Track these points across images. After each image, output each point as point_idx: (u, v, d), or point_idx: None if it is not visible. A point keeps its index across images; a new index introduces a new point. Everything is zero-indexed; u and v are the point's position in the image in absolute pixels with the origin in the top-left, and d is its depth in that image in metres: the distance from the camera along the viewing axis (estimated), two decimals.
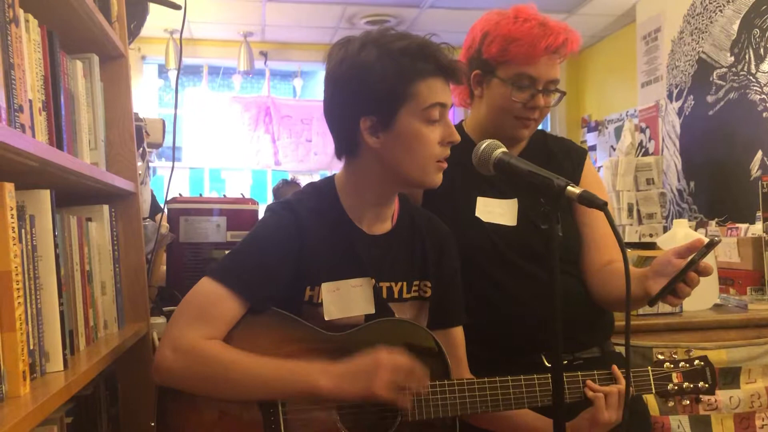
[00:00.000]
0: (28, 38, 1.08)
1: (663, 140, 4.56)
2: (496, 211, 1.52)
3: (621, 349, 1.60)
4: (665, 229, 4.03)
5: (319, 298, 1.26)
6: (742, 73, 3.79)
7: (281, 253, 1.24)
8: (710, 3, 4.05)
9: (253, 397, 1.17)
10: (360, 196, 1.31)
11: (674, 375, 1.35)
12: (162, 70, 6.02)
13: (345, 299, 1.28)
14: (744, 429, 2.06)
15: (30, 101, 1.05)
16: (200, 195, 2.63)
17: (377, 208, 1.33)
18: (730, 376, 2.06)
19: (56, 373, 1.08)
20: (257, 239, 1.27)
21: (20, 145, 0.90)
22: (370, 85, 1.22)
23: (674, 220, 2.44)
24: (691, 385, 1.35)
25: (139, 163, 1.76)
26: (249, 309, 1.21)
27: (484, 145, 1.22)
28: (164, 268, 2.00)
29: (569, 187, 1.09)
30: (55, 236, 1.10)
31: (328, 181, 1.36)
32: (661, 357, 1.38)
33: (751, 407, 2.07)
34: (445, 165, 1.29)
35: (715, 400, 2.02)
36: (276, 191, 4.75)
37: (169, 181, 2.50)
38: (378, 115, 1.24)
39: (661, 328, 2.09)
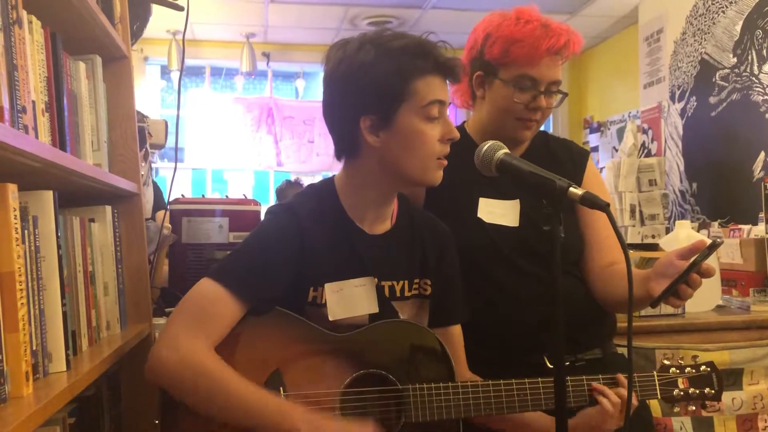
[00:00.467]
0: (32, 39, 1.08)
1: (665, 141, 4.56)
2: (498, 211, 1.52)
3: (623, 351, 1.60)
4: (667, 231, 4.02)
5: (323, 298, 1.26)
6: (744, 74, 3.79)
7: (282, 255, 1.24)
8: (713, 4, 4.05)
9: (231, 420, 1.15)
10: (361, 196, 1.32)
11: (680, 380, 1.35)
12: (165, 71, 6.03)
13: (349, 299, 1.28)
14: (746, 430, 2.06)
15: (33, 102, 1.05)
16: (202, 196, 2.63)
17: (378, 208, 1.33)
18: (733, 378, 2.06)
19: (59, 373, 1.08)
20: (258, 241, 1.27)
21: (23, 146, 0.90)
22: (369, 84, 1.23)
23: (676, 222, 2.44)
24: (697, 391, 1.34)
25: (142, 164, 1.77)
26: (249, 310, 1.21)
27: (486, 147, 1.22)
28: (167, 269, 2.00)
29: (571, 189, 1.09)
30: (57, 237, 1.10)
31: (328, 183, 1.36)
32: (666, 362, 1.37)
33: (754, 409, 2.07)
34: (446, 162, 1.29)
35: (718, 402, 2.02)
36: (279, 192, 4.75)
37: (171, 182, 2.50)
38: (378, 114, 1.24)
39: (664, 329, 2.09)
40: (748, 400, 2.06)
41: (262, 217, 1.37)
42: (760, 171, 3.65)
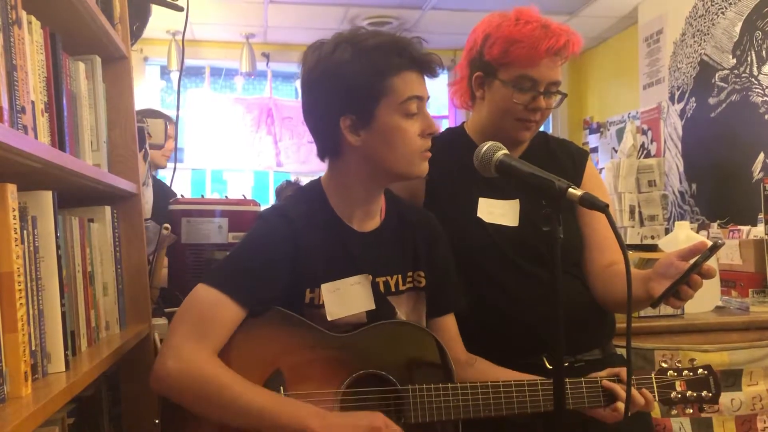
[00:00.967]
0: (31, 40, 1.08)
1: (665, 142, 4.56)
2: (498, 211, 1.52)
3: (622, 351, 1.60)
4: (667, 231, 4.02)
5: (320, 299, 1.27)
6: (744, 75, 3.79)
7: (276, 257, 1.25)
8: (712, 5, 4.05)
9: (243, 426, 1.15)
10: (347, 196, 1.33)
11: (678, 383, 1.35)
12: (164, 72, 6.03)
13: (345, 298, 1.28)
14: (746, 431, 2.06)
15: (32, 102, 1.05)
16: (202, 196, 2.63)
17: (366, 206, 1.34)
18: (732, 379, 2.06)
19: (58, 374, 1.08)
20: (251, 244, 1.28)
21: (22, 146, 0.90)
22: (346, 83, 1.24)
23: (676, 222, 2.44)
24: (695, 394, 1.34)
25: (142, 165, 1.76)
26: (248, 314, 1.21)
27: (485, 147, 1.22)
28: (166, 269, 2.00)
29: (571, 189, 1.09)
30: (57, 237, 1.10)
31: (315, 184, 1.37)
32: (664, 365, 1.37)
33: (753, 409, 2.07)
34: (430, 155, 1.30)
35: (717, 403, 2.01)
36: (279, 192, 4.74)
37: (171, 183, 2.50)
38: (357, 113, 1.25)
39: (663, 330, 2.09)
40: (747, 400, 2.06)
41: None
42: (759, 172, 3.65)
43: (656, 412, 1.94)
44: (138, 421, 1.60)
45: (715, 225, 3.57)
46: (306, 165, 5.88)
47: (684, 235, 2.31)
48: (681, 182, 4.35)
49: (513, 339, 1.46)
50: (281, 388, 1.20)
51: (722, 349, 2.06)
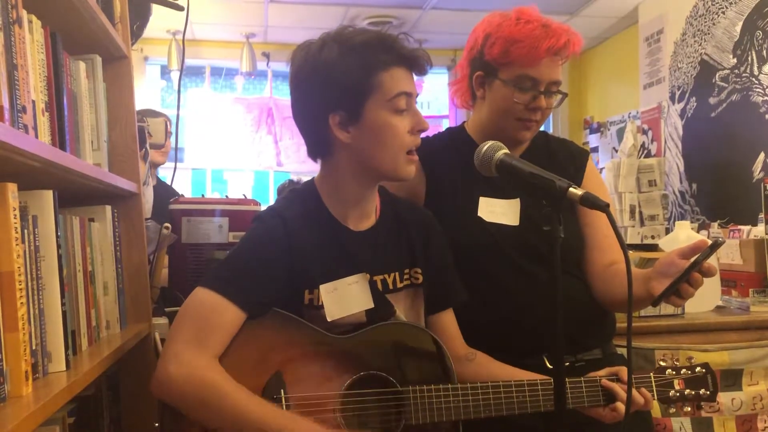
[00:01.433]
0: (32, 39, 1.08)
1: (665, 142, 4.56)
2: (499, 210, 1.53)
3: (623, 351, 1.60)
4: (667, 231, 4.02)
5: (319, 300, 1.27)
6: (744, 74, 3.79)
7: (272, 259, 1.25)
8: (713, 4, 4.05)
9: None
10: (341, 195, 1.33)
11: (676, 382, 1.35)
12: (164, 71, 6.02)
13: (344, 298, 1.28)
14: (746, 431, 2.06)
15: (33, 102, 1.05)
16: (202, 196, 2.63)
17: (360, 205, 1.34)
18: (732, 378, 2.06)
19: (58, 373, 1.08)
20: (248, 247, 1.28)
21: (23, 145, 0.90)
22: (334, 80, 1.24)
23: (676, 222, 2.44)
24: (693, 392, 1.35)
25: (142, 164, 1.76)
26: (247, 317, 1.21)
27: (486, 147, 1.22)
28: (166, 269, 2.00)
29: (571, 189, 1.09)
30: (57, 237, 1.10)
31: (309, 185, 1.38)
32: (663, 363, 1.38)
33: (753, 409, 2.07)
34: (416, 158, 1.31)
35: (717, 403, 2.01)
36: (281, 191, 4.75)
37: (171, 182, 2.50)
38: (345, 110, 1.25)
39: (663, 329, 2.09)
40: (747, 400, 2.06)
41: None
42: (759, 172, 3.65)
43: (656, 411, 1.94)
44: (138, 420, 1.60)
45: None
46: (306, 165, 5.87)
47: (684, 235, 2.31)
48: (681, 182, 4.35)
49: (513, 339, 1.46)
50: (282, 390, 1.20)
51: (722, 348, 2.06)
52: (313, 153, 1.35)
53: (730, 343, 2.08)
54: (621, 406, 1.28)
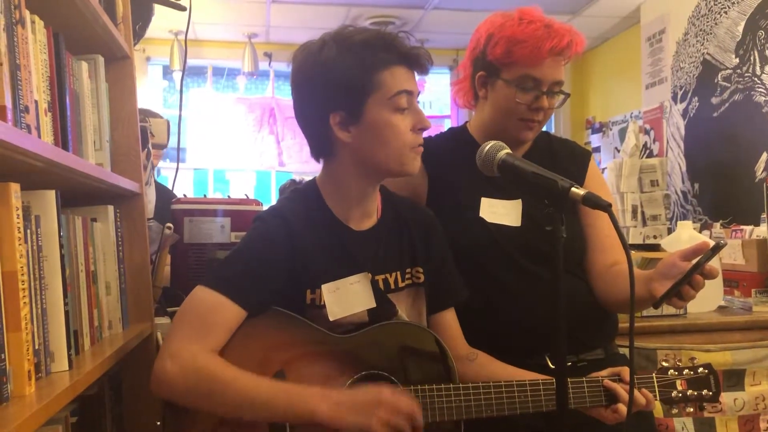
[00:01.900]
0: (34, 39, 1.08)
1: (667, 142, 4.55)
2: (500, 211, 1.52)
3: (625, 351, 1.60)
4: (669, 231, 4.02)
5: (321, 300, 1.27)
6: (747, 74, 3.79)
7: (273, 258, 1.25)
8: (715, 4, 4.05)
9: (250, 418, 1.16)
10: (343, 195, 1.33)
11: (678, 382, 1.35)
12: (166, 71, 6.03)
13: (346, 297, 1.28)
14: (748, 431, 2.06)
15: (36, 102, 1.05)
16: (204, 196, 2.63)
17: (362, 204, 1.34)
18: (735, 378, 2.06)
19: (61, 372, 1.08)
20: (249, 246, 1.28)
21: (26, 145, 0.90)
22: (334, 80, 1.24)
23: (678, 222, 2.44)
24: (695, 393, 1.35)
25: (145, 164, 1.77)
26: (248, 315, 1.21)
27: (488, 147, 1.22)
28: (168, 268, 2.00)
29: (573, 189, 1.09)
30: (60, 236, 1.10)
31: (311, 185, 1.38)
32: (665, 364, 1.38)
33: (756, 409, 2.06)
34: (422, 150, 1.30)
35: (720, 403, 2.01)
36: (283, 191, 4.75)
37: (173, 182, 2.51)
38: (346, 109, 1.25)
39: (665, 330, 2.09)
40: (750, 400, 2.06)
41: None
42: (762, 171, 3.64)
43: (658, 411, 1.93)
44: (140, 419, 1.60)
45: (717, 225, 3.57)
46: (308, 164, 5.87)
47: (687, 235, 2.31)
48: (683, 182, 4.35)
49: (515, 339, 1.46)
50: None
51: (725, 349, 2.05)
52: (315, 153, 1.35)
53: (732, 343, 2.08)
54: (622, 408, 1.28)
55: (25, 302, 0.95)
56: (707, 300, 2.27)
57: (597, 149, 5.75)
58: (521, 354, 1.44)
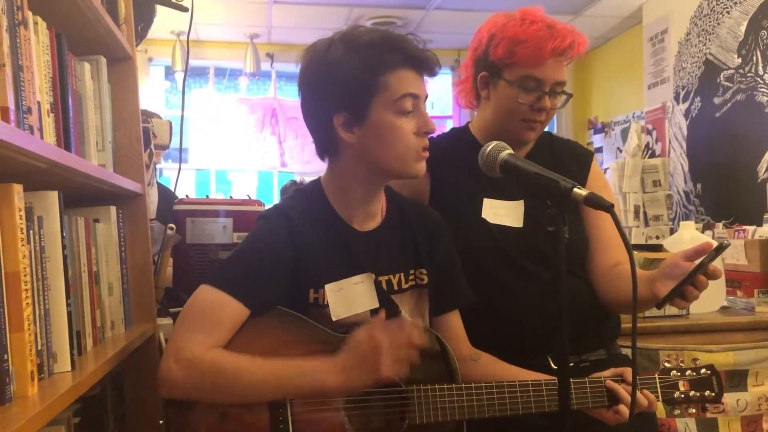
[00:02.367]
0: (37, 40, 1.08)
1: (670, 142, 4.55)
2: (502, 212, 1.52)
3: (627, 351, 1.60)
4: (672, 231, 4.01)
5: (325, 300, 1.27)
6: (749, 74, 3.78)
7: (277, 258, 1.25)
8: (717, 4, 4.04)
9: (261, 401, 1.18)
10: (347, 195, 1.33)
11: (681, 383, 1.35)
12: (169, 72, 6.03)
13: (349, 298, 1.28)
14: None
15: (38, 103, 1.05)
16: (206, 196, 2.63)
17: (366, 205, 1.34)
18: (737, 379, 2.05)
19: (64, 373, 1.08)
20: (252, 245, 1.28)
21: (29, 146, 0.90)
22: (338, 80, 1.24)
23: (681, 222, 2.44)
24: (698, 394, 1.34)
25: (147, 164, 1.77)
26: (250, 314, 1.22)
27: (490, 147, 1.22)
28: (171, 269, 2.00)
29: (576, 189, 1.09)
30: (62, 237, 1.11)
31: (315, 184, 1.37)
32: (668, 365, 1.37)
33: (759, 410, 2.06)
34: (427, 154, 1.30)
35: (722, 403, 2.01)
36: (284, 191, 4.75)
37: (176, 183, 2.51)
38: (350, 110, 1.25)
39: (668, 330, 2.08)
40: (752, 401, 2.05)
41: None
42: (764, 171, 3.64)
43: (661, 412, 1.93)
44: (143, 420, 1.60)
45: (720, 225, 3.56)
46: (310, 165, 5.88)
47: (689, 235, 2.30)
48: (686, 182, 4.34)
49: (517, 340, 1.46)
50: None
51: (728, 349, 2.05)
52: (320, 152, 1.34)
53: (735, 343, 2.08)
54: (624, 409, 1.28)
55: (27, 303, 0.95)
56: (710, 300, 2.27)
57: (599, 149, 5.74)
58: (523, 354, 1.43)
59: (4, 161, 0.92)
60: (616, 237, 1.42)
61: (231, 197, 2.51)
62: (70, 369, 1.10)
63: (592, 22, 5.24)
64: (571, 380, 1.23)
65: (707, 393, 1.35)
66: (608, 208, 1.07)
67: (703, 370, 1.36)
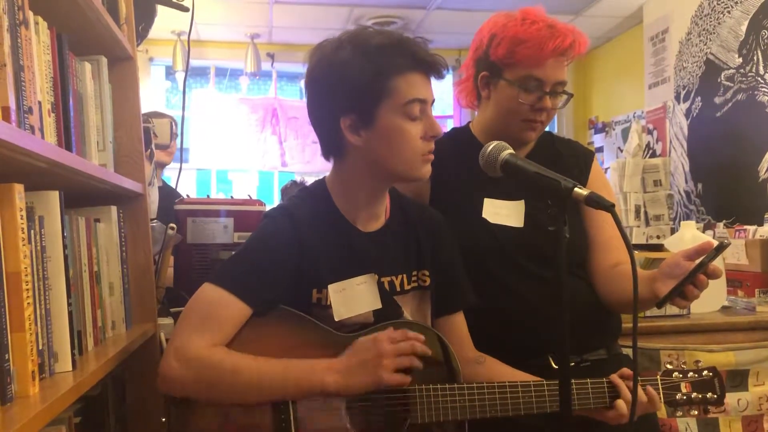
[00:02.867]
0: (38, 40, 1.08)
1: (670, 142, 4.54)
2: (503, 212, 1.52)
3: (628, 351, 1.59)
4: (672, 231, 4.01)
5: (327, 300, 1.27)
6: (750, 74, 3.78)
7: (280, 257, 1.25)
8: (718, 4, 4.04)
9: (261, 400, 1.18)
10: (351, 196, 1.32)
11: (683, 385, 1.34)
12: (169, 72, 6.04)
13: (352, 298, 1.28)
14: None
15: (39, 103, 1.05)
16: (207, 196, 2.63)
17: (370, 206, 1.34)
18: (738, 379, 2.05)
19: (65, 373, 1.08)
20: (256, 244, 1.28)
21: (30, 146, 0.90)
22: (346, 83, 1.23)
23: (681, 222, 2.44)
24: (700, 396, 1.34)
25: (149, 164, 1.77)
26: (253, 313, 1.22)
27: (491, 147, 1.22)
28: (171, 269, 2.01)
29: (576, 189, 1.09)
30: (63, 237, 1.11)
31: (320, 184, 1.37)
32: (670, 366, 1.37)
33: (759, 410, 2.06)
34: (432, 157, 1.29)
35: (724, 404, 2.01)
36: (285, 191, 4.75)
37: (176, 183, 2.51)
38: (357, 114, 1.24)
39: (669, 330, 2.08)
40: (753, 401, 2.05)
41: None
42: (765, 171, 3.64)
43: (662, 412, 1.93)
44: (143, 420, 1.60)
45: (720, 225, 3.55)
46: (311, 165, 5.88)
47: (690, 235, 2.30)
48: (687, 182, 4.34)
49: (518, 340, 1.46)
50: None
51: (728, 349, 2.05)
52: (325, 152, 1.34)
53: (735, 343, 2.08)
54: (621, 404, 1.28)
55: (28, 303, 0.95)
56: (710, 300, 2.27)
57: (600, 149, 5.74)
58: (524, 355, 1.43)
59: (5, 161, 0.93)
60: (617, 237, 1.42)
61: (232, 197, 2.51)
62: (71, 369, 1.10)
63: (592, 22, 5.23)
64: (572, 380, 1.24)
65: (709, 395, 1.35)
66: (609, 207, 1.07)
67: (705, 372, 1.36)
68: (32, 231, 1.00)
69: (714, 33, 4.08)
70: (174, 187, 2.85)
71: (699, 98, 4.25)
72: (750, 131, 3.77)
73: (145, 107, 2.09)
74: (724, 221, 3.71)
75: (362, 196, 1.32)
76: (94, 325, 1.30)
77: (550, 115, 1.52)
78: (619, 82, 5.65)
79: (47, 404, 0.90)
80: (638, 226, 4.06)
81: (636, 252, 2.12)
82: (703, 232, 3.20)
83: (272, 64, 6.01)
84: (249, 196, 2.26)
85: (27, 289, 0.94)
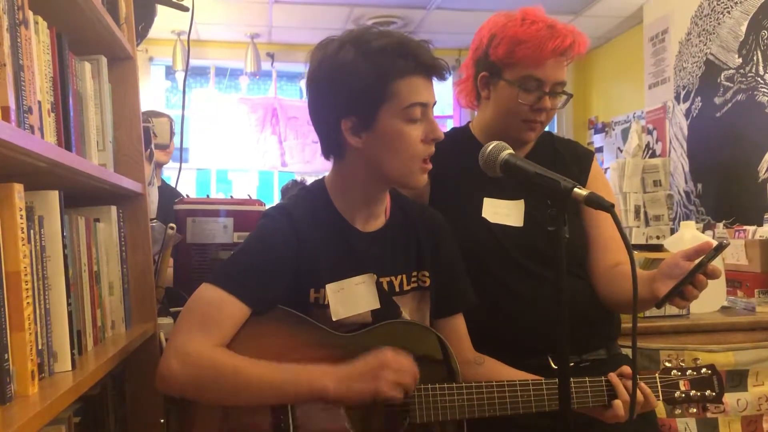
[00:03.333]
0: (38, 40, 1.08)
1: (670, 142, 4.54)
2: (503, 212, 1.52)
3: (628, 351, 1.60)
4: (672, 231, 4.01)
5: (325, 299, 1.27)
6: (750, 74, 3.78)
7: (279, 257, 1.25)
8: (718, 4, 4.04)
9: (260, 403, 1.17)
10: (350, 196, 1.32)
11: (681, 383, 1.35)
12: (169, 72, 6.03)
13: (350, 298, 1.28)
14: None
15: (39, 102, 1.05)
16: (207, 196, 2.63)
17: (369, 207, 1.34)
18: (738, 379, 2.05)
19: (64, 373, 1.08)
20: (255, 244, 1.28)
21: (29, 146, 0.90)
22: (348, 85, 1.23)
23: (681, 222, 2.44)
24: (699, 393, 1.34)
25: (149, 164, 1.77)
26: (252, 313, 1.22)
27: (490, 147, 1.22)
28: (171, 269, 2.01)
29: (576, 189, 1.09)
30: (63, 237, 1.11)
31: (319, 184, 1.37)
32: (668, 364, 1.37)
33: (759, 410, 2.06)
34: (430, 166, 1.29)
35: (723, 403, 2.01)
36: (285, 191, 4.75)
37: (176, 183, 2.51)
38: (358, 116, 1.24)
39: (668, 330, 2.08)
40: (753, 401, 2.05)
41: None
42: (765, 172, 3.64)
43: (661, 412, 1.93)
44: (143, 419, 1.60)
45: (720, 225, 3.56)
46: (311, 165, 5.88)
47: (689, 235, 2.30)
48: (686, 182, 4.34)
49: (518, 339, 1.46)
50: None
51: (728, 349, 2.05)
52: (326, 152, 1.34)
53: (735, 343, 2.08)
54: (618, 404, 1.28)
55: (28, 302, 0.95)
56: (710, 300, 2.27)
57: (600, 149, 5.74)
58: (524, 354, 1.44)
59: (5, 161, 0.93)
60: (617, 237, 1.42)
61: (231, 197, 2.51)
62: (70, 368, 1.10)
63: (592, 22, 5.23)
64: (586, 379, 1.24)
65: (708, 392, 1.35)
66: (608, 208, 1.07)
67: (703, 370, 1.36)
68: (32, 231, 1.00)
69: (714, 33, 4.08)
70: (174, 186, 2.85)
71: (699, 98, 4.25)
72: (750, 131, 3.77)
73: (145, 107, 2.09)
74: (723, 221, 3.71)
75: (360, 197, 1.32)
76: (94, 325, 1.29)
77: (549, 115, 1.52)
78: (619, 82, 5.65)
79: (47, 404, 0.90)
80: (638, 227, 4.06)
81: (635, 252, 2.12)
82: (703, 232, 3.21)
83: (272, 64, 6.01)
84: (249, 195, 2.26)
85: (27, 289, 0.94)
